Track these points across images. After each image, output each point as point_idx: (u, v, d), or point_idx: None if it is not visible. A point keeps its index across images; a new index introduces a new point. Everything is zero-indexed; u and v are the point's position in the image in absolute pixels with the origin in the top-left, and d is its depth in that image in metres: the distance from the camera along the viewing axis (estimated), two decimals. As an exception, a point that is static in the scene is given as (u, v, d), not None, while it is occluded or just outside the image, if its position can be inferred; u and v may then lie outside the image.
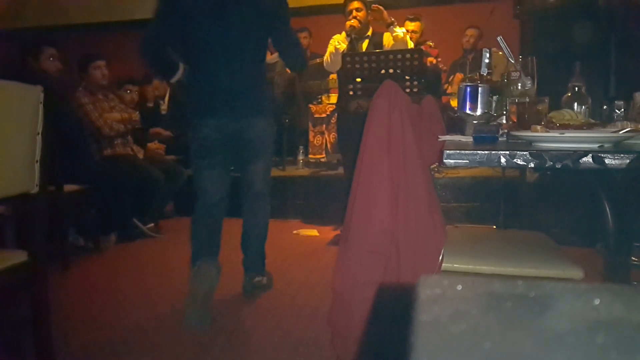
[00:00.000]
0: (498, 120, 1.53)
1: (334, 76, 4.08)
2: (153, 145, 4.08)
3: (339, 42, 3.26)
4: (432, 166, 1.61)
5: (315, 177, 4.40)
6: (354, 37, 3.28)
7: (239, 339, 1.90)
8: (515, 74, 1.54)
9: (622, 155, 0.93)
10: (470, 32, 4.73)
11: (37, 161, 1.47)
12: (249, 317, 2.12)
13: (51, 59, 3.18)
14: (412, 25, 4.33)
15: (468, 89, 1.49)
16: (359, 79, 2.97)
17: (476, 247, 1.44)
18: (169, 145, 4.24)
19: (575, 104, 1.52)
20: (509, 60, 1.58)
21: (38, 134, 1.47)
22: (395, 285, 1.23)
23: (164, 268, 2.88)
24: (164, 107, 4.68)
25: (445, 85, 4.62)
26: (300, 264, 2.88)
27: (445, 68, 4.67)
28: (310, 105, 4.55)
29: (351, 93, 3.05)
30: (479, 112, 1.48)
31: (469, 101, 1.48)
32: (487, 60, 1.72)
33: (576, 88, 1.55)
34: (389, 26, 3.26)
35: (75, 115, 3.30)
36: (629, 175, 1.18)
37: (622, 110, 1.66)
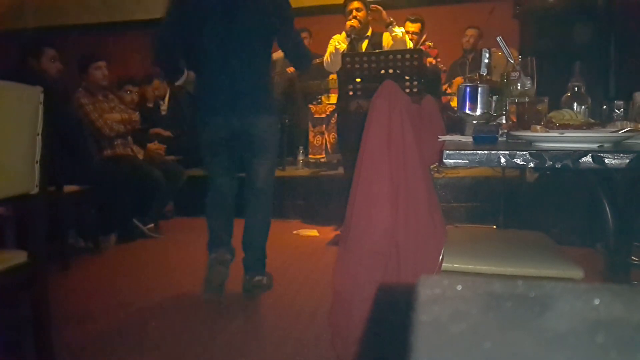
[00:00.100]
0: (498, 120, 1.53)
1: (334, 76, 4.08)
2: (153, 145, 4.08)
3: (339, 42, 3.26)
4: (432, 166, 1.61)
5: (315, 177, 4.40)
6: (354, 38, 3.28)
7: (239, 339, 1.90)
8: (514, 74, 1.54)
9: (621, 155, 0.93)
10: (470, 32, 4.73)
11: (37, 162, 1.47)
12: (249, 317, 2.12)
13: (52, 60, 3.18)
14: (412, 27, 4.33)
15: (468, 89, 1.49)
16: (358, 79, 2.97)
17: (476, 247, 1.44)
18: (169, 145, 4.24)
19: (575, 104, 1.52)
20: (508, 60, 1.58)
21: (38, 134, 1.47)
22: (395, 285, 1.23)
23: (164, 268, 2.88)
24: (164, 107, 4.68)
25: (445, 86, 4.62)
26: (300, 264, 2.88)
27: (444, 68, 4.67)
28: (310, 105, 4.55)
29: (351, 93, 3.05)
30: (478, 112, 1.48)
31: (469, 101, 1.48)
32: (486, 61, 1.72)
33: (576, 88, 1.55)
34: (387, 26, 3.26)
35: (75, 115, 3.30)
36: (629, 175, 1.18)
37: (622, 110, 1.66)
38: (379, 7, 3.29)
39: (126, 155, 3.56)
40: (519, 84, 1.53)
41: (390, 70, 2.90)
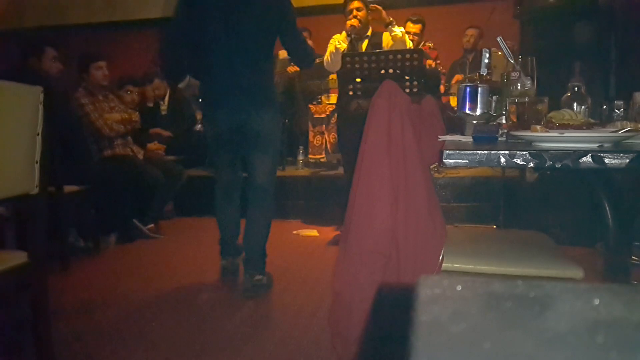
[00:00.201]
0: (498, 120, 1.53)
1: (333, 76, 4.07)
2: (153, 145, 4.08)
3: (339, 41, 3.26)
4: (432, 166, 1.61)
5: (315, 177, 4.40)
6: (354, 37, 3.28)
7: (239, 339, 1.90)
8: (514, 74, 1.54)
9: (621, 155, 0.93)
10: (471, 32, 4.73)
11: (37, 162, 1.47)
12: (249, 317, 2.12)
13: (53, 59, 3.18)
14: (414, 28, 4.33)
15: (468, 89, 1.49)
16: (358, 79, 2.97)
17: (476, 247, 1.44)
18: (168, 145, 4.24)
19: (575, 104, 1.52)
20: (508, 60, 1.58)
21: (38, 134, 1.47)
22: (395, 285, 1.23)
23: (164, 269, 2.87)
24: (164, 107, 4.68)
25: (445, 86, 4.62)
26: (300, 264, 2.88)
27: (444, 70, 4.67)
28: (310, 105, 4.55)
29: (351, 93, 3.05)
30: (478, 112, 1.48)
31: (469, 101, 1.48)
32: (486, 61, 1.72)
33: (576, 88, 1.55)
34: (387, 26, 3.26)
35: (75, 115, 3.31)
36: (629, 175, 1.18)
37: (622, 110, 1.66)
38: (379, 7, 3.29)
39: (126, 155, 3.56)
40: (519, 84, 1.53)
41: (390, 70, 2.90)
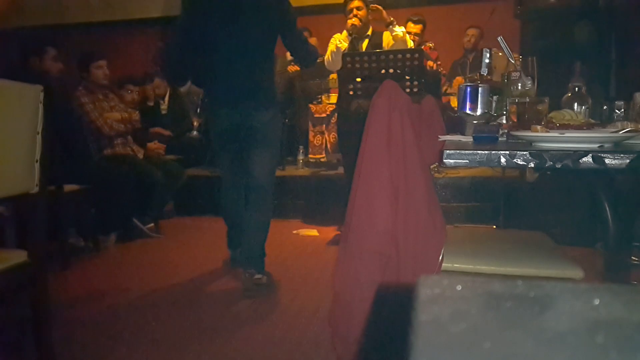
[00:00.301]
0: (498, 120, 1.53)
1: (334, 76, 4.07)
2: (153, 145, 4.08)
3: (339, 41, 3.26)
4: (432, 166, 1.61)
5: (315, 177, 4.40)
6: (355, 37, 3.28)
7: (239, 339, 1.90)
8: (515, 74, 1.54)
9: (622, 155, 0.93)
10: (471, 31, 4.73)
11: (37, 161, 1.47)
12: (249, 317, 2.12)
13: (53, 59, 3.18)
14: (415, 28, 4.33)
15: (468, 89, 1.49)
16: (359, 79, 2.97)
17: (476, 247, 1.44)
18: (169, 145, 4.23)
19: (575, 104, 1.52)
20: (509, 60, 1.58)
21: (38, 133, 1.47)
22: (395, 285, 1.23)
23: (163, 268, 2.87)
24: (164, 106, 4.68)
25: (445, 87, 4.62)
26: (300, 264, 2.88)
27: (444, 71, 4.67)
28: (310, 105, 4.55)
29: (351, 93, 3.05)
30: (479, 112, 1.48)
31: (469, 101, 1.48)
32: (487, 61, 1.72)
33: (576, 88, 1.54)
34: (388, 25, 3.26)
35: (75, 114, 3.30)
36: (629, 175, 1.18)
37: (622, 110, 1.66)
38: (379, 7, 3.29)
39: (126, 154, 3.56)
40: (520, 84, 1.53)
41: (391, 70, 2.89)
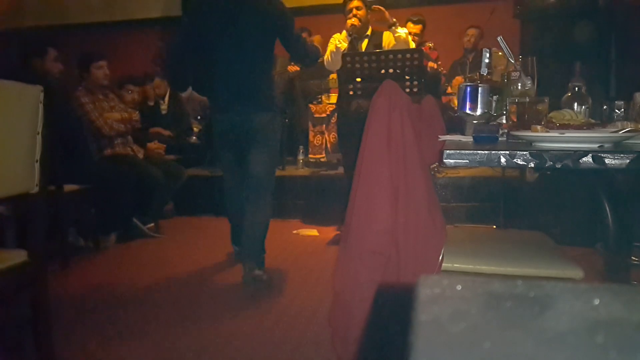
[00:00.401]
0: (498, 120, 1.53)
1: (334, 76, 4.07)
2: (153, 145, 4.08)
3: (339, 41, 3.25)
4: (432, 166, 1.61)
5: (315, 177, 4.39)
6: (354, 37, 3.28)
7: (239, 339, 1.90)
8: (515, 74, 1.54)
9: (622, 155, 0.93)
10: (471, 31, 4.73)
11: (37, 161, 1.47)
12: (249, 317, 2.12)
13: (54, 60, 3.19)
14: (414, 28, 4.33)
15: (468, 89, 1.49)
16: (359, 79, 2.97)
17: (476, 247, 1.44)
18: (169, 145, 4.23)
19: (575, 104, 1.52)
20: (509, 60, 1.58)
21: (38, 133, 1.47)
22: (395, 285, 1.23)
23: (164, 268, 2.88)
24: (164, 107, 4.68)
25: (445, 85, 4.62)
26: (300, 264, 2.88)
27: (445, 71, 4.67)
28: (310, 105, 4.54)
29: (351, 93, 3.05)
30: (479, 112, 1.48)
31: (469, 101, 1.48)
32: (487, 60, 1.72)
33: (576, 88, 1.55)
34: (390, 27, 3.25)
35: (75, 115, 3.30)
36: (629, 175, 1.18)
37: (622, 110, 1.66)
38: (382, 8, 3.28)
39: (126, 154, 3.56)
40: (520, 84, 1.53)
41: (391, 70, 2.89)
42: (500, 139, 1.33)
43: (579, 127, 1.16)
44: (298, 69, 4.56)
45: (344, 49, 3.19)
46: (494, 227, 3.19)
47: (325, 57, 3.29)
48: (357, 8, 3.23)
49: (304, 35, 4.87)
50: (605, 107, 1.73)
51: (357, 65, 2.94)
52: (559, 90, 1.61)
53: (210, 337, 1.91)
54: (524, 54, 1.59)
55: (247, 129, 2.51)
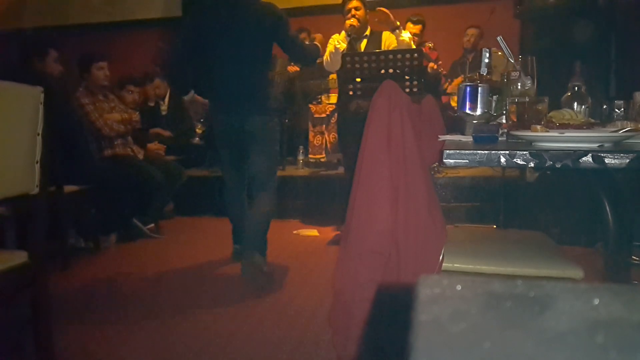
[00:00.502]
0: (498, 120, 1.53)
1: (334, 76, 4.07)
2: (153, 145, 4.08)
3: (338, 41, 3.25)
4: (432, 166, 1.61)
5: (315, 177, 4.39)
6: (353, 37, 3.27)
7: (239, 339, 1.90)
8: (515, 74, 1.54)
9: (622, 154, 0.93)
10: (471, 31, 4.73)
11: (37, 162, 1.47)
12: (249, 317, 2.12)
13: (55, 61, 3.19)
14: (414, 28, 4.33)
15: (468, 89, 1.49)
16: (359, 79, 2.97)
17: (476, 247, 1.44)
18: (169, 145, 4.23)
19: (575, 104, 1.52)
20: (508, 60, 1.58)
21: (38, 134, 1.47)
22: (395, 285, 1.23)
23: (164, 268, 2.88)
24: (164, 107, 4.68)
25: (445, 85, 4.62)
26: (300, 264, 2.88)
27: (445, 72, 4.67)
28: (310, 105, 4.54)
29: (351, 93, 3.05)
30: (478, 111, 1.48)
31: (469, 101, 1.48)
32: (486, 60, 1.72)
33: (576, 88, 1.55)
34: (394, 30, 3.25)
35: (75, 115, 3.30)
36: (629, 175, 1.18)
37: (622, 109, 1.66)
38: (386, 11, 3.28)
39: (126, 155, 3.56)
40: (519, 84, 1.53)
41: (390, 70, 2.89)
42: (500, 138, 1.33)
43: (578, 127, 1.16)
44: (298, 69, 4.56)
45: (343, 50, 3.19)
46: (494, 227, 3.19)
47: (325, 57, 3.29)
48: (356, 8, 3.22)
49: (303, 35, 4.89)
50: (605, 106, 1.73)
51: (357, 66, 2.95)
52: (559, 90, 1.61)
53: (210, 337, 1.91)
54: (524, 54, 1.59)
55: (244, 131, 2.62)
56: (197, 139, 4.45)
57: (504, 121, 1.52)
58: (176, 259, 3.06)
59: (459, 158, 1.03)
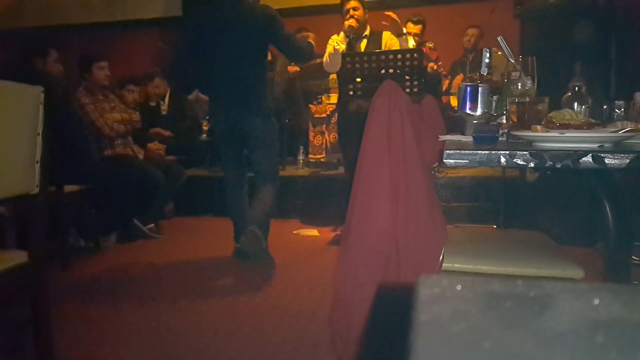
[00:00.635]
0: (498, 120, 1.53)
1: (334, 76, 4.07)
2: (153, 145, 4.07)
3: (337, 42, 3.25)
4: (432, 166, 1.61)
5: (315, 177, 4.39)
6: (352, 37, 3.27)
7: (239, 339, 1.90)
8: (515, 74, 1.54)
9: (622, 155, 0.93)
10: (471, 31, 4.73)
11: (37, 161, 1.47)
12: (249, 317, 2.12)
13: (55, 61, 3.19)
14: (414, 28, 4.33)
15: (468, 89, 1.49)
16: (359, 79, 2.97)
17: (476, 247, 1.44)
18: (169, 145, 4.23)
19: (576, 104, 1.52)
20: (509, 60, 1.58)
21: (38, 134, 1.47)
22: (395, 285, 1.23)
23: (164, 268, 2.88)
24: (164, 107, 4.68)
25: (446, 83, 4.61)
26: (300, 264, 2.88)
27: (445, 72, 4.67)
28: (311, 105, 4.54)
29: (351, 93, 3.05)
30: (479, 112, 1.48)
31: (469, 101, 1.48)
32: (487, 60, 1.72)
33: (576, 88, 1.55)
34: (399, 35, 3.26)
35: (75, 115, 3.30)
36: (629, 175, 1.18)
37: (622, 110, 1.66)
38: (395, 17, 3.31)
39: (126, 155, 3.56)
40: (520, 84, 1.53)
41: (391, 70, 2.89)
42: (500, 139, 1.33)
43: (579, 127, 1.16)
44: (298, 69, 4.56)
45: (342, 50, 3.19)
46: (494, 227, 3.19)
47: (324, 58, 3.29)
48: (354, 9, 3.22)
49: (304, 34, 4.89)
50: (605, 106, 1.73)
51: (357, 66, 2.95)
52: (559, 90, 1.61)
53: (210, 337, 1.91)
54: (524, 54, 1.59)
55: (242, 130, 2.74)
56: (204, 135, 4.50)
57: (504, 121, 1.52)
58: (176, 259, 3.06)
59: (459, 158, 1.03)
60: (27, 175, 1.44)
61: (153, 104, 4.55)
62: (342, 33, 3.27)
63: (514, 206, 3.23)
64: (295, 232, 3.68)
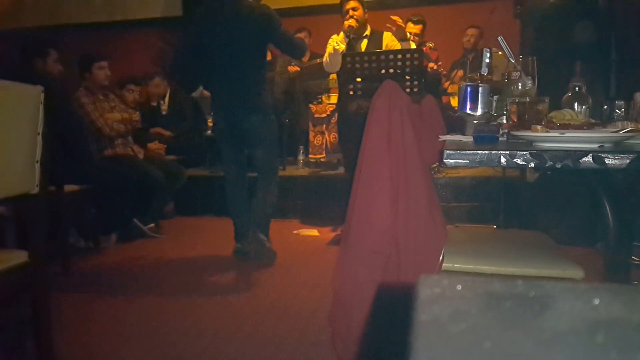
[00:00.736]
0: (498, 120, 1.53)
1: (334, 76, 4.07)
2: (153, 145, 4.08)
3: (337, 42, 3.25)
4: (432, 166, 1.61)
5: (315, 177, 4.39)
6: (352, 37, 3.27)
7: (239, 339, 1.90)
8: (515, 74, 1.54)
9: (622, 155, 0.93)
10: (471, 31, 4.72)
11: (37, 161, 1.47)
12: (249, 317, 2.12)
13: (55, 61, 3.20)
14: (414, 28, 4.33)
15: (468, 89, 1.49)
16: (359, 79, 2.97)
17: (476, 247, 1.44)
18: (169, 145, 4.24)
19: (576, 104, 1.52)
20: (509, 60, 1.58)
21: (38, 134, 1.47)
22: (395, 285, 1.23)
23: (164, 268, 2.88)
24: (164, 107, 4.68)
25: (446, 84, 4.61)
26: (300, 264, 2.88)
27: (445, 72, 4.67)
28: (311, 105, 4.54)
29: (351, 93, 3.05)
30: (479, 112, 1.48)
31: (470, 101, 1.48)
32: (487, 60, 1.72)
33: (576, 88, 1.55)
34: (402, 40, 3.27)
35: (75, 115, 3.30)
36: (629, 175, 1.18)
37: (623, 110, 1.66)
38: (400, 21, 3.34)
39: (126, 154, 3.56)
40: (520, 84, 1.53)
41: (391, 70, 2.89)
42: (500, 139, 1.33)
43: (579, 127, 1.16)
44: (298, 69, 4.56)
45: (342, 50, 3.19)
46: (494, 227, 3.19)
47: (324, 58, 3.29)
48: (354, 9, 3.22)
49: (304, 35, 4.89)
50: (605, 107, 1.73)
51: (357, 66, 2.94)
52: (559, 90, 1.61)
53: (210, 337, 1.91)
54: (524, 54, 1.59)
55: (242, 128, 2.81)
56: (209, 131, 4.52)
57: (504, 121, 1.52)
58: (176, 259, 3.06)
59: (459, 158, 1.03)
60: (27, 175, 1.44)
61: (153, 103, 4.55)
62: (342, 33, 3.27)
63: (514, 206, 3.23)
64: (295, 232, 3.68)
